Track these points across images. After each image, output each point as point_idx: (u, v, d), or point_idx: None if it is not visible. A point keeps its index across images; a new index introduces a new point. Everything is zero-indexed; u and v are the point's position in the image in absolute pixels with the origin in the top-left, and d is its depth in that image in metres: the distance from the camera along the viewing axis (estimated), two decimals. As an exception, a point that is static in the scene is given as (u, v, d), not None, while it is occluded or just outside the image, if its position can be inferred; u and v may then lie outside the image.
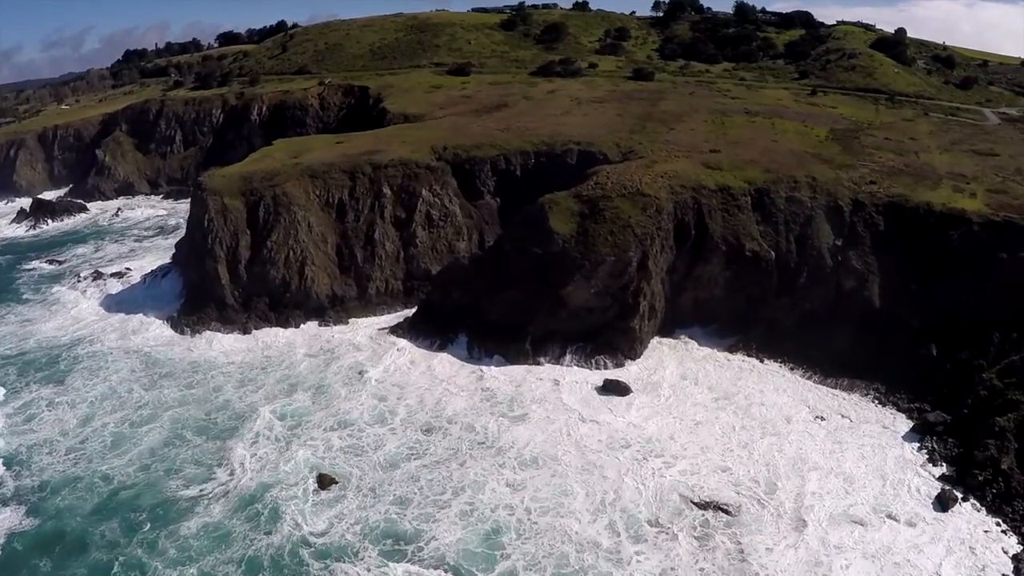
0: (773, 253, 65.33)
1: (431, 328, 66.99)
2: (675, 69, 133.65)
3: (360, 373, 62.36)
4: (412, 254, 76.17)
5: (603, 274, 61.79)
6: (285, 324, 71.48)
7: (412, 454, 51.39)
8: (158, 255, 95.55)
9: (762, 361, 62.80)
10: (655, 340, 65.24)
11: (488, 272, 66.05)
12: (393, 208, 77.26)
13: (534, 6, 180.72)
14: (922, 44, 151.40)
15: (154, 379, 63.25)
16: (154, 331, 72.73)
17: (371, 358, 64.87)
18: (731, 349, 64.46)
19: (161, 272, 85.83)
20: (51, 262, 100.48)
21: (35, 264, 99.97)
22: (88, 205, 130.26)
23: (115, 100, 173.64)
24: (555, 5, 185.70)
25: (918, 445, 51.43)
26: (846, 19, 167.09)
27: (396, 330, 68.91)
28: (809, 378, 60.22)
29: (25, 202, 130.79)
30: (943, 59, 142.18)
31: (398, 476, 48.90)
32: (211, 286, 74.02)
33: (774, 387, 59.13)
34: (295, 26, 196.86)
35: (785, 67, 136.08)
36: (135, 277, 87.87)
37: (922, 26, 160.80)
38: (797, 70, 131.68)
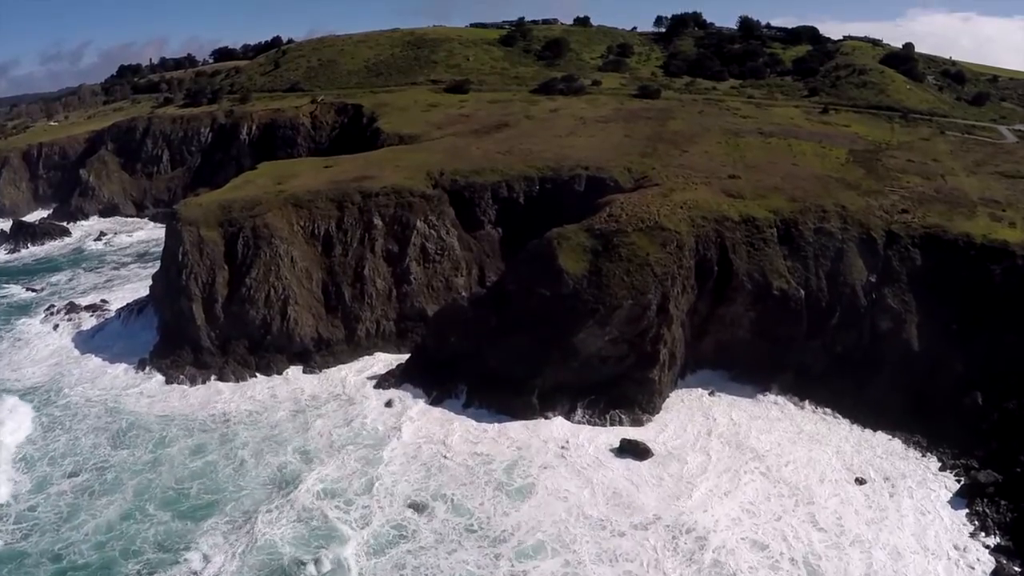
0: (802, 291, 59.87)
1: (426, 377, 60.78)
2: (681, 86, 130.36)
3: (347, 428, 56.35)
4: (405, 292, 70.00)
5: (619, 319, 55.61)
6: (266, 370, 65.35)
7: (400, 536, 44.81)
8: (138, 285, 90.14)
9: (792, 411, 57.22)
10: (675, 391, 59.38)
11: (490, 316, 59.87)
12: (384, 241, 71.33)
13: (534, 21, 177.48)
14: (930, 59, 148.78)
15: (121, 434, 57.13)
16: (125, 376, 66.87)
17: (359, 413, 58.52)
18: (758, 398, 58.92)
19: (137, 307, 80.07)
20: (27, 290, 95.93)
21: (8, 291, 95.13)
22: (71, 228, 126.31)
23: (104, 117, 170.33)
24: (555, 20, 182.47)
25: (967, 511, 46.05)
26: (846, 34, 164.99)
27: (387, 379, 62.65)
28: (843, 430, 54.84)
29: (7, 224, 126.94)
30: (953, 74, 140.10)
31: (383, 563, 42.48)
32: (186, 327, 68.13)
33: (807, 439, 53.79)
34: (290, 42, 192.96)
35: (794, 84, 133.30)
36: (111, 311, 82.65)
37: (921, 41, 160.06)
38: (806, 87, 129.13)
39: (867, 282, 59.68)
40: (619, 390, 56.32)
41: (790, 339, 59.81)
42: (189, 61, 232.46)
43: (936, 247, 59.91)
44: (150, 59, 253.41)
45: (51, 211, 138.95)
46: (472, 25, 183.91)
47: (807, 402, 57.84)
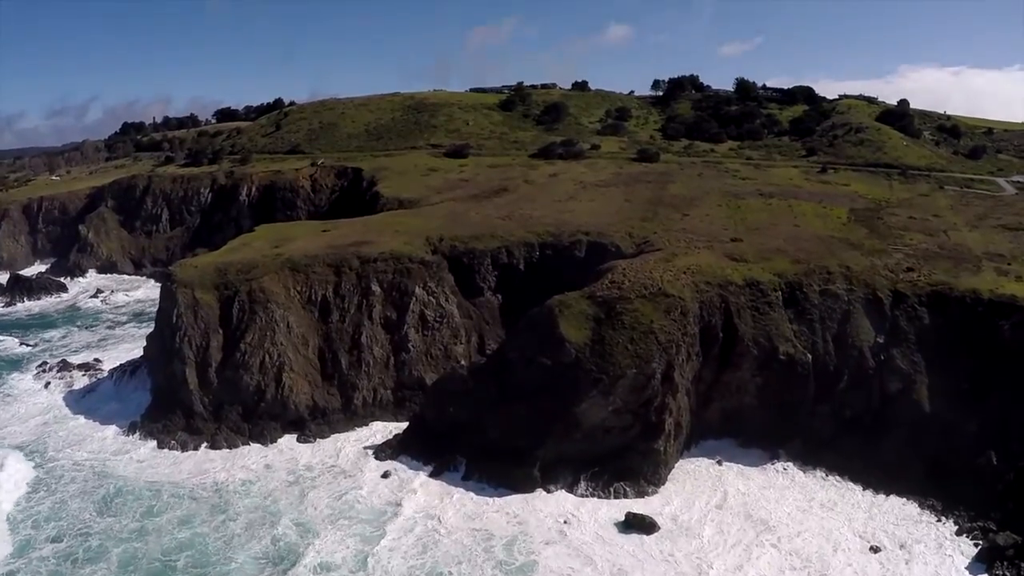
0: (809, 355, 58.64)
1: (424, 448, 58.77)
2: (680, 149, 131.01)
3: (342, 500, 54.35)
4: (403, 360, 68.40)
5: (623, 389, 53.94)
6: (259, 438, 63.35)
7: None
8: (132, 346, 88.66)
9: (801, 478, 55.50)
10: (681, 460, 57.46)
11: (490, 385, 58.20)
12: (383, 307, 70.03)
13: (533, 86, 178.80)
14: (925, 115, 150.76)
15: (108, 500, 55.16)
16: (114, 440, 65.11)
17: (356, 485, 56.43)
18: (766, 466, 57.13)
19: (131, 368, 78.53)
20: (21, 344, 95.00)
21: (2, 346, 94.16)
22: (68, 284, 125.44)
23: (106, 173, 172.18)
24: (554, 85, 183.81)
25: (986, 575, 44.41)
26: (841, 93, 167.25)
27: (384, 449, 60.64)
28: (855, 496, 53.22)
29: (4, 277, 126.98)
30: (948, 129, 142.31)
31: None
32: (178, 391, 66.47)
33: (819, 508, 52.00)
34: (291, 104, 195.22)
35: (792, 144, 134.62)
36: (104, 371, 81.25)
37: (914, 97, 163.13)
38: (804, 147, 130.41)
39: (875, 343, 58.56)
40: (623, 462, 54.37)
41: (798, 404, 58.35)
42: (192, 121, 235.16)
43: (943, 305, 59.04)
44: (153, 117, 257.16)
45: (49, 266, 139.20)
46: (472, 90, 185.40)
47: (817, 469, 56.15)
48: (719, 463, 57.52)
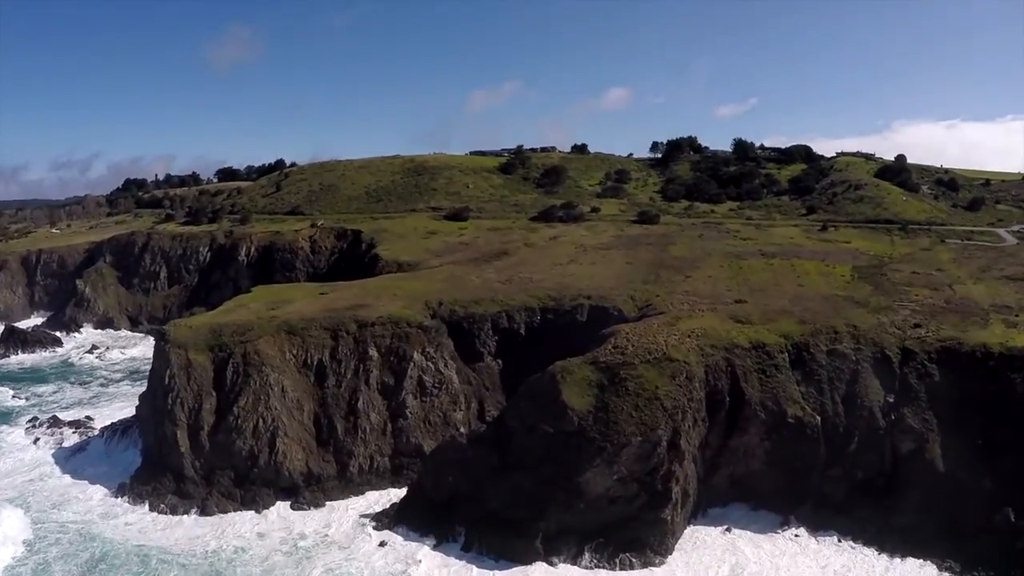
0: (818, 417, 57.56)
1: (422, 518, 56.72)
2: (679, 210, 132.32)
3: (336, 572, 52.24)
4: (401, 426, 66.70)
5: (628, 457, 52.25)
6: (251, 504, 61.45)
7: None
8: (125, 404, 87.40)
9: (813, 545, 54.08)
10: (688, 529, 55.62)
11: (490, 454, 56.45)
12: (380, 372, 68.58)
13: (532, 149, 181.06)
14: (922, 169, 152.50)
15: (92, 565, 53.57)
16: (102, 501, 63.62)
17: (350, 556, 54.33)
18: (776, 533, 55.66)
19: (122, 427, 77.23)
20: (13, 397, 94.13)
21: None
22: (63, 338, 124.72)
23: (106, 228, 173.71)
24: (553, 148, 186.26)
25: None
26: (839, 150, 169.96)
27: (381, 518, 58.64)
28: (870, 561, 52.10)
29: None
30: (946, 182, 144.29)
31: None
32: (169, 453, 64.95)
33: (832, 574, 50.96)
34: (292, 165, 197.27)
35: (791, 203, 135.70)
36: (95, 429, 79.91)
37: (909, 152, 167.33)
38: (804, 205, 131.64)
39: (885, 403, 57.80)
40: (629, 532, 52.45)
41: (808, 468, 57.19)
42: (194, 179, 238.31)
43: (954, 360, 58.47)
44: (156, 174, 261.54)
45: (45, 319, 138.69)
46: (472, 153, 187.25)
47: (830, 533, 54.92)
48: (728, 531, 55.99)
